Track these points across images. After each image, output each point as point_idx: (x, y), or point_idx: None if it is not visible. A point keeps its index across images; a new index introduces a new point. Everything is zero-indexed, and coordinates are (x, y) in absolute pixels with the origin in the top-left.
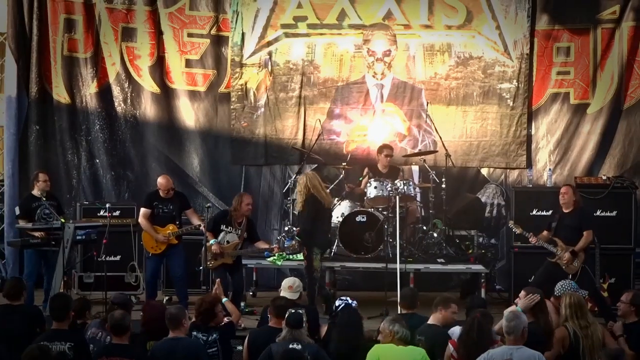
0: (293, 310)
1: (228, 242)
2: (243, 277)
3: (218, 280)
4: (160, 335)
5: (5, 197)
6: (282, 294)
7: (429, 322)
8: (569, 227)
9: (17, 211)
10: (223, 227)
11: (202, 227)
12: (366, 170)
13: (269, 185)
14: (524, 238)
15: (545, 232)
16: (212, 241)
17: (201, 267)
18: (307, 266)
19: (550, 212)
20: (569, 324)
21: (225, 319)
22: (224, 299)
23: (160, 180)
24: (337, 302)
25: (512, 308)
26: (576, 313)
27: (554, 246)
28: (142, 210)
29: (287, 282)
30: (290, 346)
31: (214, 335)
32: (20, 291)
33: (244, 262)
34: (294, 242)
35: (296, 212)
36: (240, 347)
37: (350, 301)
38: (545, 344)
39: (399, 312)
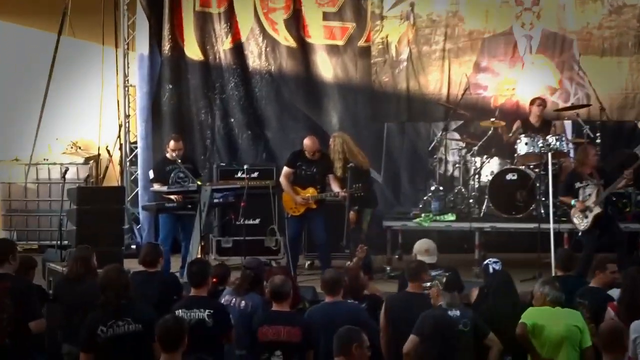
0: (448, 273)
1: (589, 195)
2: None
3: (360, 245)
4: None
5: (139, 159)
6: (418, 258)
7: (591, 285)
8: None
9: (151, 174)
10: (577, 184)
11: (340, 195)
12: (516, 124)
13: (412, 143)
14: None
15: None
16: (572, 202)
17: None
18: (355, 228)
19: None
20: None
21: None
22: None
23: (306, 141)
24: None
25: None
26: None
27: None
28: (285, 169)
29: (422, 245)
30: (449, 312)
31: (363, 305)
32: (157, 258)
33: (388, 223)
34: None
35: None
36: None
37: (492, 261)
38: None
39: (553, 274)
